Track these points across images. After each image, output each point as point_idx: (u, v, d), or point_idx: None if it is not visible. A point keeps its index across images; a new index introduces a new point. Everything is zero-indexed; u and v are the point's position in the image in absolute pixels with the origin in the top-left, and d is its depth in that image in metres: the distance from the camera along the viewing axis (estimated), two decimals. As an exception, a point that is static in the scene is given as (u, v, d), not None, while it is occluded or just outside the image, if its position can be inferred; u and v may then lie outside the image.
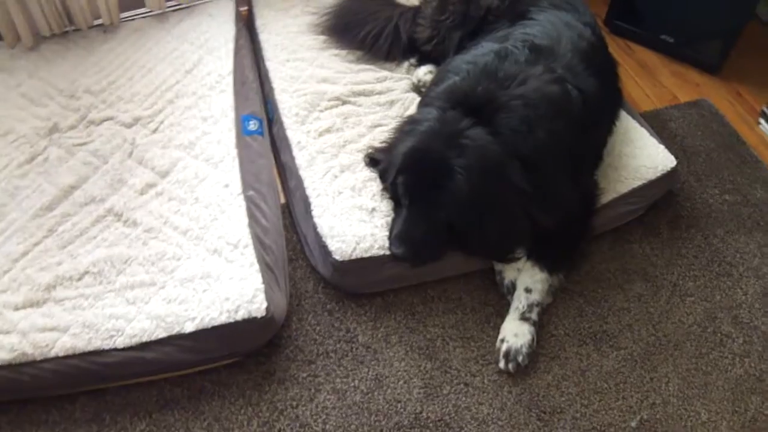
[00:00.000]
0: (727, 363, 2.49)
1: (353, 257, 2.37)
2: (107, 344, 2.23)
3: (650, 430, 2.30)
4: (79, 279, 2.38)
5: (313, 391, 2.30)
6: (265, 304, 2.24)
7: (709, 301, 2.63)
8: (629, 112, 2.94)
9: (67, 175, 2.62)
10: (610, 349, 2.46)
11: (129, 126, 2.78)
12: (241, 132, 2.74)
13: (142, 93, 2.89)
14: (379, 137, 2.70)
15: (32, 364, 2.19)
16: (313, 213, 2.48)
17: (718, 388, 2.42)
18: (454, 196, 2.24)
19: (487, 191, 2.25)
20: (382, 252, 2.39)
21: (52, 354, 2.21)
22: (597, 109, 2.56)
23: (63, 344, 2.22)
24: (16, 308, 2.30)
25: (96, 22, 3.16)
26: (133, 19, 3.23)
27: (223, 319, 2.23)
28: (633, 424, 2.32)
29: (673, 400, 2.38)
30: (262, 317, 2.24)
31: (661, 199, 2.86)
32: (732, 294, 2.67)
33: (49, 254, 2.42)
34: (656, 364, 2.45)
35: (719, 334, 2.55)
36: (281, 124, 2.77)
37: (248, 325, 2.24)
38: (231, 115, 2.78)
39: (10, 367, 2.18)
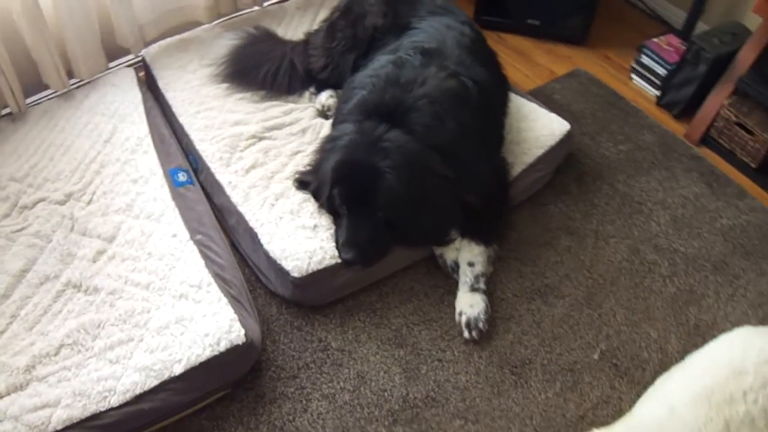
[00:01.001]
0: (659, 285, 2.81)
1: (309, 271, 2.56)
2: (102, 406, 2.31)
3: (612, 358, 2.59)
4: (56, 353, 2.44)
5: (304, 402, 2.46)
6: (242, 331, 2.38)
7: (630, 238, 2.97)
8: (517, 93, 3.26)
9: (14, 261, 2.66)
10: (556, 299, 2.74)
11: (63, 203, 2.86)
12: (173, 185, 2.87)
13: (67, 170, 2.98)
14: (301, 163, 2.90)
15: (33, 445, 2.26)
16: (262, 241, 2.65)
17: (658, 309, 2.74)
18: (387, 196, 2.47)
19: (416, 184, 2.49)
20: (334, 261, 2.58)
21: (51, 430, 2.26)
22: (491, 94, 2.86)
23: (59, 417, 2.27)
24: (0, 397, 2.33)
25: (4, 112, 3.23)
26: (39, 103, 3.30)
27: (207, 353, 2.36)
28: (595, 356, 2.59)
29: (623, 328, 2.68)
30: (243, 343, 2.38)
31: (563, 162, 3.19)
32: (647, 227, 3.02)
33: (18, 338, 2.46)
34: (600, 302, 2.74)
35: (646, 263, 2.88)
36: (208, 170, 2.93)
37: (231, 354, 2.38)
38: (159, 172, 2.91)
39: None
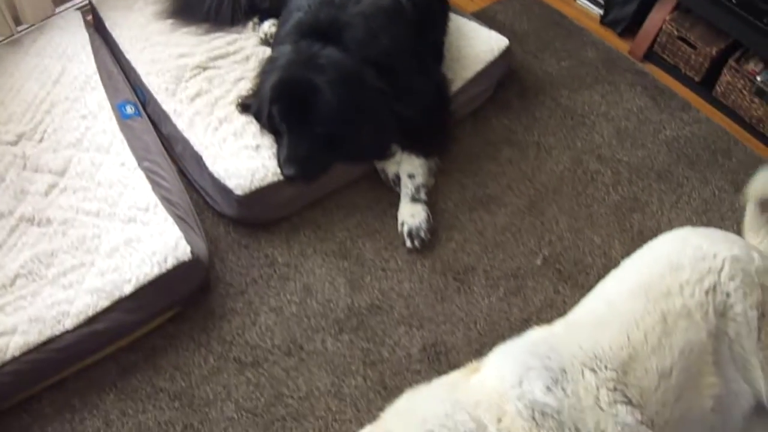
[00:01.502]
0: (603, 194, 2.85)
1: (252, 189, 2.60)
2: (58, 329, 2.36)
3: (555, 263, 2.64)
4: (12, 284, 2.48)
5: (252, 316, 2.52)
6: (188, 248, 2.44)
7: (573, 149, 2.99)
8: (458, 13, 3.27)
9: (-33, 202, 2.72)
10: (498, 208, 2.78)
11: (14, 143, 2.88)
12: (121, 118, 2.89)
13: (18, 112, 2.99)
14: (244, 88, 2.92)
15: (-8, 373, 2.31)
16: (207, 163, 2.68)
17: (602, 215, 2.78)
18: (325, 110, 2.51)
19: (351, 98, 2.53)
20: (276, 178, 2.62)
21: (9, 356, 2.31)
22: (427, 11, 2.87)
23: (16, 344, 2.32)
24: (-41, 329, 2.40)
25: (-47, 60, 3.24)
26: (-13, 50, 3.33)
27: (156, 271, 2.41)
28: (538, 262, 2.64)
29: (566, 234, 2.72)
30: (189, 260, 2.44)
31: (506, 78, 3.21)
32: (590, 138, 3.05)
33: (-26, 274, 2.54)
34: (542, 210, 2.78)
35: (589, 173, 2.92)
36: (155, 101, 2.94)
37: (179, 270, 2.43)
38: (107, 106, 2.92)
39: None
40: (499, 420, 1.82)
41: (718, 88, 3.24)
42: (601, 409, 1.84)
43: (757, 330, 2.03)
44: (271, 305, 2.53)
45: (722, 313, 2.04)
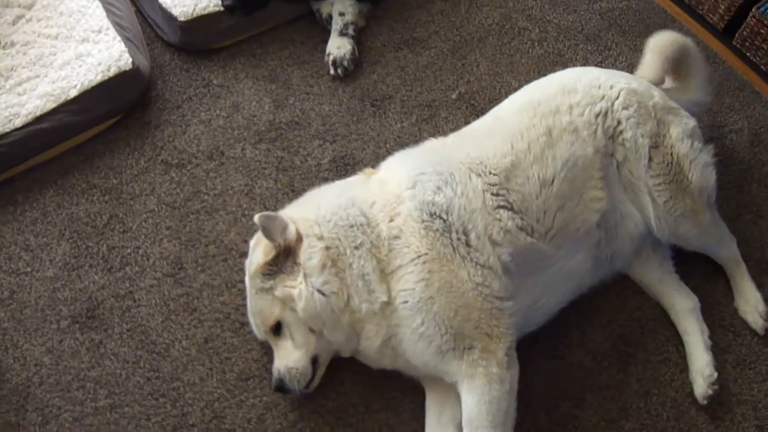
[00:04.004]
0: (527, 47, 2.81)
1: (195, 15, 2.64)
2: (8, 127, 2.45)
3: (470, 99, 2.63)
4: (-27, 94, 2.62)
5: (184, 126, 2.57)
6: (130, 60, 2.52)
7: (504, 7, 2.95)
8: None
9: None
10: (423, 49, 2.77)
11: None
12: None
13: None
14: None
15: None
16: (155, -7, 2.75)
17: (523, 65, 2.75)
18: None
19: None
20: (217, 8, 2.66)
21: None
22: None
23: None
24: None
25: None
26: None
27: (99, 79, 2.50)
28: (453, 96, 2.63)
29: (485, 77, 2.70)
30: (129, 70, 2.52)
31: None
32: (523, 0, 3.00)
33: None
34: (465, 55, 2.76)
35: (517, 28, 2.88)
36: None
37: (120, 78, 2.52)
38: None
39: None
40: (391, 219, 1.85)
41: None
42: (488, 212, 1.86)
43: (648, 158, 2.02)
44: (201, 118, 2.58)
45: (611, 136, 2.03)
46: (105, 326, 2.19)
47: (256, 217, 1.83)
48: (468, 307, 1.77)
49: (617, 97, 2.06)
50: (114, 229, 2.37)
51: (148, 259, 2.30)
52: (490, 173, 1.92)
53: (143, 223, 2.37)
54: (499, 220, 1.86)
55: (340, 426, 1.99)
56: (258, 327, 1.94)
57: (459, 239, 1.81)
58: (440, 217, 1.82)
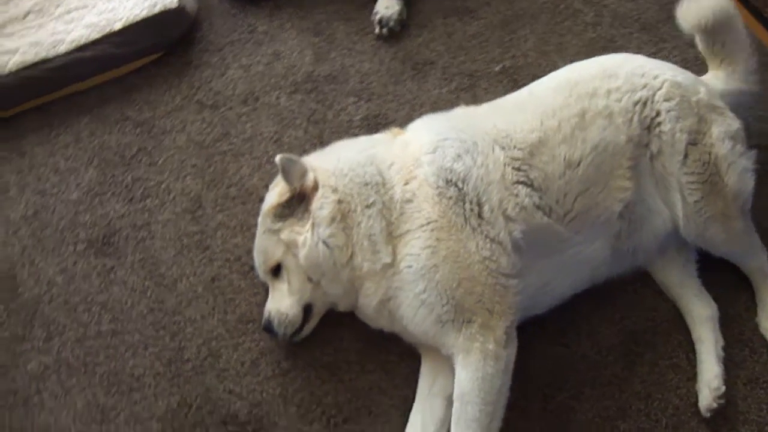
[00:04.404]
0: (580, 29, 2.69)
1: (246, -40, 2.63)
2: (52, 52, 2.50)
3: (513, 74, 2.53)
4: (24, 18, 2.64)
5: (223, 69, 2.56)
6: (176, -1, 2.52)
7: (561, -13, 2.85)
8: None
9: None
10: (472, 19, 2.68)
11: None
12: None
13: None
14: None
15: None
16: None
17: (573, 46, 2.63)
18: None
19: None
20: (269, -45, 2.65)
21: (7, 71, 2.48)
22: None
23: (15, 62, 2.49)
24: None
25: None
26: None
27: (144, 14, 2.51)
28: (497, 69, 2.55)
29: (531, 54, 2.60)
30: (175, 8, 2.53)
31: None
32: (582, -18, 2.87)
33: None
34: (514, 29, 2.66)
35: (572, 9, 2.75)
36: None
37: (165, 16, 2.53)
38: None
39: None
40: (407, 182, 1.80)
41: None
42: (505, 187, 1.80)
43: (684, 154, 1.91)
44: (241, 63, 2.57)
45: (648, 127, 1.93)
46: (118, 254, 2.21)
47: (278, 158, 1.82)
48: (472, 279, 1.71)
49: (660, 88, 1.95)
50: (141, 161, 2.38)
51: (169, 194, 2.31)
52: (515, 147, 1.84)
53: (170, 158, 2.38)
54: (516, 195, 1.79)
55: (332, 381, 1.96)
56: (259, 266, 1.94)
57: (472, 210, 1.75)
58: (456, 185, 1.77)
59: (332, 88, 2.48)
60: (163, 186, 2.32)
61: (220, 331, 2.05)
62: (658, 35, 2.72)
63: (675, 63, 2.50)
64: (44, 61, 2.50)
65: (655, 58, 2.55)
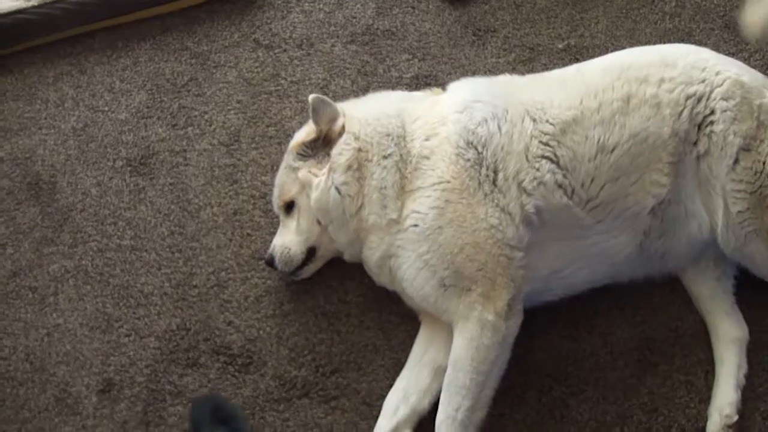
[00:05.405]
0: (657, 18, 2.51)
1: None
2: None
3: (576, 53, 2.40)
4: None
5: (285, 12, 2.53)
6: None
7: (646, -28, 2.66)
8: None
9: None
10: (545, -8, 2.56)
11: None
12: None
13: None
14: None
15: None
16: None
17: (646, 35, 2.46)
18: None
19: None
20: None
21: None
22: None
23: None
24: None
25: None
26: None
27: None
28: (560, 46, 2.41)
29: (600, 36, 2.45)
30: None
31: None
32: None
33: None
34: (586, 8, 2.51)
35: (652, -4, 2.58)
36: None
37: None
38: None
39: (43, 5, 2.48)
40: (427, 138, 1.75)
41: None
42: (527, 158, 1.71)
43: (734, 159, 1.75)
44: (303, 8, 2.52)
45: (698, 124, 1.78)
46: (152, 175, 2.23)
47: (311, 97, 1.80)
48: (476, 246, 1.64)
49: (720, 85, 1.78)
50: (190, 90, 2.40)
51: (210, 125, 2.31)
52: (547, 122, 1.74)
53: (218, 91, 2.38)
54: (537, 169, 1.69)
55: (328, 331, 1.93)
56: (275, 199, 1.95)
57: (487, 176, 1.67)
58: (476, 148, 1.69)
59: (388, 43, 2.41)
60: (206, 117, 2.33)
61: (232, 263, 2.04)
62: (741, 36, 2.51)
63: (754, 66, 2.33)
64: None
65: (733, 56, 2.38)
